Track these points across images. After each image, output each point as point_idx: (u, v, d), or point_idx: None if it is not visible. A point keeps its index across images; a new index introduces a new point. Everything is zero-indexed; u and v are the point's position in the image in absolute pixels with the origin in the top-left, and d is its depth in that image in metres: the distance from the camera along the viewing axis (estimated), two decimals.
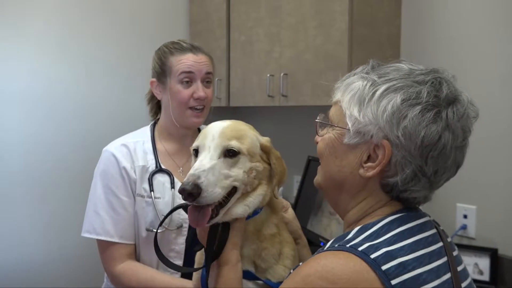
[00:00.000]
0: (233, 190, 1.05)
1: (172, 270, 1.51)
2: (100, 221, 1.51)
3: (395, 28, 2.22)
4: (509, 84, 1.80)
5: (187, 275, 1.45)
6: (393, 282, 0.77)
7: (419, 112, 0.83)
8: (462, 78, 1.90)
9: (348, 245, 0.82)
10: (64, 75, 2.69)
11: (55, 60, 2.67)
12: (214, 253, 1.05)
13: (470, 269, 1.84)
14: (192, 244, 1.13)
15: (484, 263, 1.82)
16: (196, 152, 1.09)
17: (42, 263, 2.65)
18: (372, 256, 0.79)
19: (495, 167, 1.85)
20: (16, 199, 2.59)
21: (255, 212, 1.10)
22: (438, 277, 0.83)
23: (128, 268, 1.49)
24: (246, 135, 1.08)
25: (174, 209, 1.20)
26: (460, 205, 1.97)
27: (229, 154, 1.04)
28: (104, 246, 1.52)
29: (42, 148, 2.65)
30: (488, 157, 1.86)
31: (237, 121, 1.13)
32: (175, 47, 1.57)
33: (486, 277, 1.82)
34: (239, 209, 1.06)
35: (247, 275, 1.09)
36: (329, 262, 0.80)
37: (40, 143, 2.64)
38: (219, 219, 1.04)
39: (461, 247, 1.88)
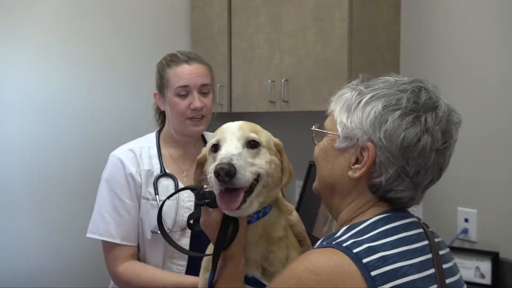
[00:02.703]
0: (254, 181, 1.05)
1: (176, 269, 1.57)
2: (104, 223, 1.57)
3: (395, 33, 2.24)
4: (508, 89, 1.81)
5: (191, 272, 1.51)
6: (373, 273, 0.83)
7: (399, 117, 0.92)
8: (461, 82, 1.93)
9: (334, 242, 0.89)
10: (65, 82, 2.71)
11: (57, 67, 2.69)
12: (224, 247, 1.07)
13: (471, 273, 1.85)
14: (193, 224, 1.19)
15: (485, 266, 1.83)
16: (215, 147, 1.08)
17: (44, 268, 2.66)
18: (355, 250, 0.86)
19: (495, 170, 1.86)
20: (19, 205, 2.61)
21: (264, 213, 1.12)
22: (420, 271, 0.89)
23: (130, 267, 1.55)
24: (262, 131, 1.14)
25: (183, 189, 1.24)
26: (461, 209, 1.97)
27: (251, 145, 1.07)
28: (107, 247, 1.58)
29: (44, 154, 2.66)
30: (489, 160, 1.88)
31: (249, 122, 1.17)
32: (172, 59, 1.62)
33: (487, 280, 1.82)
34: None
35: (252, 282, 1.10)
36: (315, 257, 0.88)
37: (42, 149, 2.65)
38: (246, 206, 1.03)
39: (462, 251, 1.89)
